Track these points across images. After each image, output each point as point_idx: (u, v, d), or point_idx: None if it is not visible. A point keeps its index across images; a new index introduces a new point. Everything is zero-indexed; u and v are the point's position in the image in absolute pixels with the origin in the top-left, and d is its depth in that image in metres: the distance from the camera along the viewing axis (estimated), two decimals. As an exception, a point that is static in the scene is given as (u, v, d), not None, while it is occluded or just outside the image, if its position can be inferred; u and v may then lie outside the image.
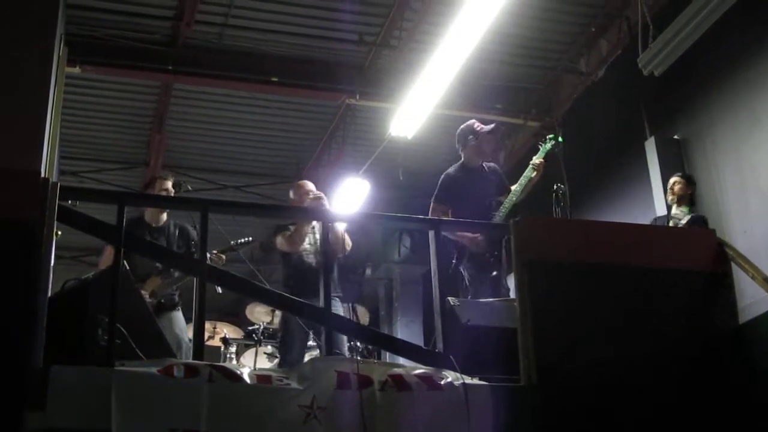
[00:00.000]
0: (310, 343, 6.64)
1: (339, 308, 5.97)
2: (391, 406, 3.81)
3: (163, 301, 6.19)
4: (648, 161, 8.16)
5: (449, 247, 5.93)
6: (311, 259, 6.17)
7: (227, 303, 12.65)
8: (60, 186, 3.88)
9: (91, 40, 8.42)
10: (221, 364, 4.94)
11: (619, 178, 8.80)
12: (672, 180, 7.09)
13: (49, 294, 3.73)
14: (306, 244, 6.21)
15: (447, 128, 6.70)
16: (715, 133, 7.67)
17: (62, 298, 3.98)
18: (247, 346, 8.23)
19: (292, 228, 6.18)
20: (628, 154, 8.63)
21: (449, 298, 4.59)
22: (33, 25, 4.21)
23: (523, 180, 6.19)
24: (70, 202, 4.40)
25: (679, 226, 6.69)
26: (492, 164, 6.61)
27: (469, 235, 6.04)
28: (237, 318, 9.85)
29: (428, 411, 3.83)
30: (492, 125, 6.54)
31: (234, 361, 8.00)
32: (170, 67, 8.85)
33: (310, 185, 6.53)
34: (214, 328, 8.48)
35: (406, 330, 11.79)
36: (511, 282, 5.43)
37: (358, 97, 9.40)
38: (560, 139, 6.44)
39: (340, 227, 6.10)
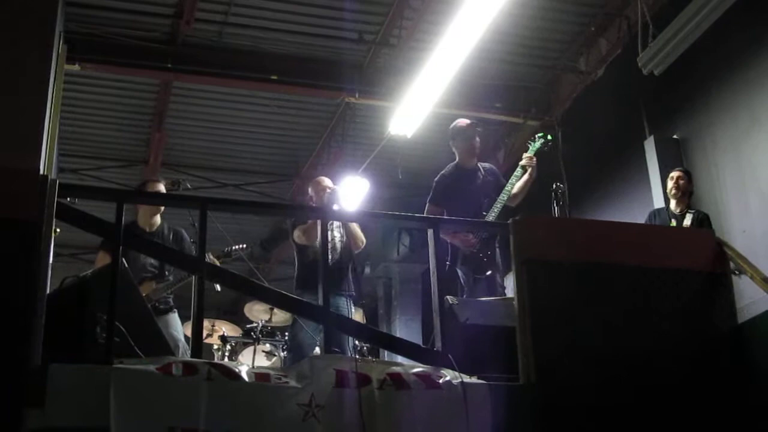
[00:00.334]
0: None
1: (351, 307, 6.01)
2: (390, 404, 3.81)
3: (157, 304, 6.18)
4: (647, 160, 8.16)
5: (443, 247, 5.94)
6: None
7: (225, 301, 12.67)
8: (59, 183, 3.87)
9: (90, 37, 8.41)
10: (220, 362, 4.96)
11: (618, 177, 8.80)
12: (676, 174, 6.91)
13: (48, 291, 3.73)
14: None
15: (446, 127, 6.70)
16: (714, 133, 7.67)
17: (61, 295, 3.97)
18: (246, 344, 8.22)
19: (310, 222, 6.21)
20: (627, 153, 8.63)
21: (448, 297, 4.59)
22: (32, 22, 4.21)
23: (513, 179, 6.20)
24: (69, 199, 4.40)
25: (685, 225, 6.63)
26: (488, 164, 6.62)
27: (463, 236, 6.06)
28: (235, 316, 9.85)
29: (427, 409, 3.83)
30: (469, 121, 6.59)
31: (225, 359, 7.99)
32: (170, 65, 8.84)
33: (327, 181, 6.61)
34: (213, 326, 8.47)
35: (405, 328, 11.80)
36: (508, 281, 5.44)
37: (357, 95, 9.39)
38: (549, 137, 6.46)
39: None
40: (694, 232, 5.88)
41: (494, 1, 7.15)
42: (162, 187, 6.54)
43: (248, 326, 8.37)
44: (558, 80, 9.75)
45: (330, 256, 6.17)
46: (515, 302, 4.32)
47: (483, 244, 6.08)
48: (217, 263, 6.47)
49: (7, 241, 3.60)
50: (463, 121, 6.62)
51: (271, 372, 3.98)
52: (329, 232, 6.32)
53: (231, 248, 6.78)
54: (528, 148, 6.37)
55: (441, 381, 3.92)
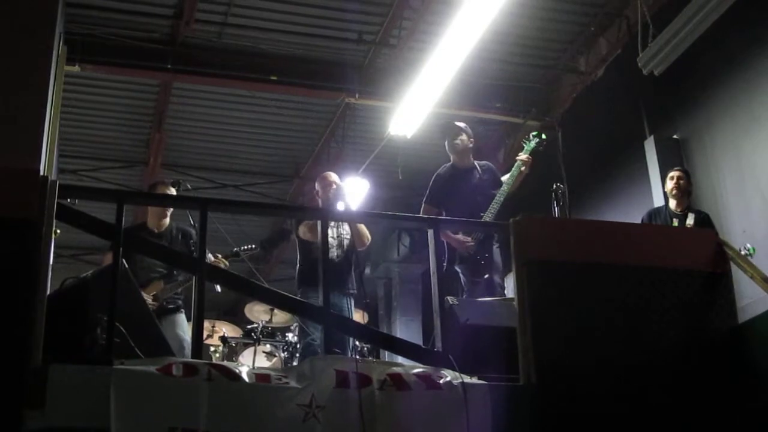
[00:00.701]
0: None
1: (351, 307, 6.00)
2: (390, 405, 3.81)
3: (165, 304, 6.20)
4: (647, 160, 8.16)
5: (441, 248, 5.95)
6: (332, 252, 6.19)
7: (226, 302, 12.67)
8: (59, 184, 3.87)
9: (90, 38, 8.42)
10: (220, 362, 4.96)
11: (618, 177, 8.81)
12: (676, 174, 6.88)
13: (48, 292, 3.73)
14: (329, 237, 6.20)
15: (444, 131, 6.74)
16: (714, 133, 7.67)
17: (61, 296, 3.98)
18: (246, 345, 8.22)
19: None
20: (627, 153, 8.63)
21: (448, 297, 4.59)
22: (32, 23, 4.21)
23: (510, 179, 6.21)
24: (69, 200, 4.40)
25: (688, 224, 6.62)
26: (484, 162, 6.62)
27: (461, 237, 6.06)
28: (236, 317, 9.86)
29: (427, 410, 3.83)
30: (458, 122, 6.64)
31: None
32: (170, 66, 8.85)
33: (333, 177, 6.57)
34: (213, 326, 8.48)
35: (405, 329, 11.81)
36: (508, 281, 5.44)
37: (357, 96, 9.40)
38: (544, 135, 6.49)
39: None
40: (695, 232, 5.87)
41: (494, 1, 7.16)
42: (172, 191, 6.57)
43: (248, 327, 8.38)
44: (558, 80, 9.75)
45: (336, 253, 6.22)
46: (515, 302, 4.32)
47: (480, 245, 6.09)
48: (226, 263, 6.51)
49: (7, 242, 3.60)
50: (452, 122, 6.69)
51: (272, 373, 3.98)
52: (335, 229, 6.34)
53: (241, 248, 6.81)
54: (523, 147, 6.39)
55: (441, 381, 3.92)
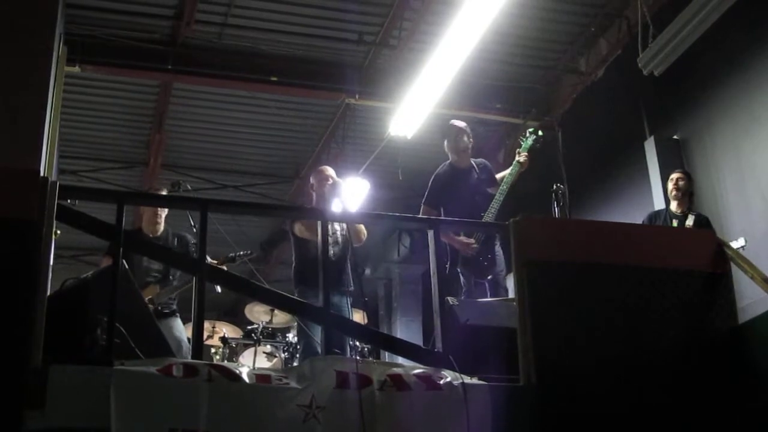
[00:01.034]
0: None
1: (349, 305, 5.94)
2: (391, 405, 3.80)
3: (160, 308, 6.20)
4: (647, 161, 8.17)
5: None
6: (329, 250, 6.10)
7: (226, 302, 12.68)
8: (59, 185, 3.87)
9: (90, 39, 8.43)
10: (220, 363, 4.96)
11: (618, 177, 8.81)
12: (675, 175, 6.97)
13: (49, 293, 3.73)
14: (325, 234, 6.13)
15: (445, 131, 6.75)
16: (714, 133, 7.67)
17: (61, 297, 3.97)
18: (246, 346, 8.22)
19: None
20: (627, 153, 8.64)
21: (448, 297, 4.59)
22: (32, 24, 4.22)
23: (508, 177, 6.21)
24: (69, 201, 4.40)
25: (687, 225, 6.64)
26: (480, 160, 6.62)
27: (463, 239, 6.05)
28: (236, 317, 9.86)
29: (427, 410, 3.83)
30: (458, 122, 6.65)
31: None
32: (170, 67, 8.85)
33: (329, 171, 6.36)
34: (213, 327, 8.48)
35: (406, 329, 11.81)
36: (510, 282, 5.44)
37: (357, 96, 9.41)
38: (541, 132, 6.50)
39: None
40: (695, 232, 5.87)
41: (494, 2, 7.16)
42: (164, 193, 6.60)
43: (249, 327, 8.38)
44: (558, 81, 9.75)
45: (332, 251, 6.01)
46: (516, 303, 4.32)
47: (482, 246, 6.08)
48: (223, 268, 6.49)
49: (7, 243, 3.60)
50: (452, 122, 6.68)
51: (272, 373, 3.98)
52: (330, 226, 6.21)
53: (236, 254, 6.80)
54: (520, 144, 6.38)
55: (441, 382, 3.92)
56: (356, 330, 5.24)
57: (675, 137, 8.11)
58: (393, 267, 12.40)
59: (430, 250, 4.53)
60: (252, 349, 8.09)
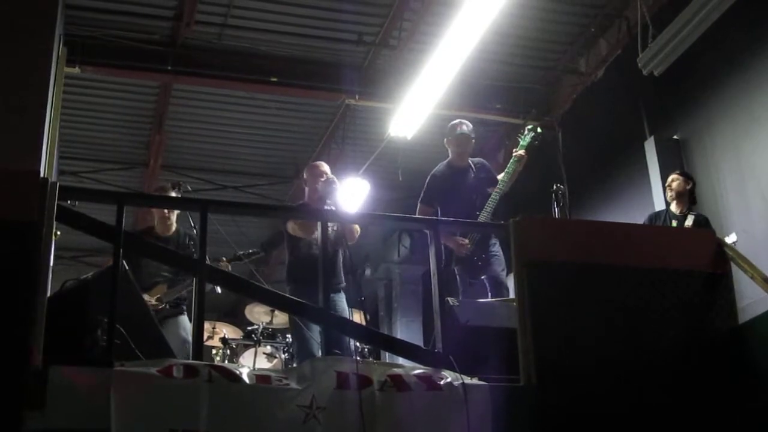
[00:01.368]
0: None
1: (343, 301, 5.90)
2: (391, 406, 3.81)
3: (167, 306, 6.21)
4: (647, 161, 8.16)
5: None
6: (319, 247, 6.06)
7: (226, 303, 12.67)
8: (59, 186, 3.87)
9: (90, 40, 8.43)
10: (220, 364, 4.96)
11: (618, 178, 8.81)
12: (670, 177, 7.07)
13: (49, 294, 3.73)
14: (318, 233, 6.07)
15: (446, 128, 6.74)
16: (714, 133, 7.67)
17: (61, 298, 3.98)
18: (247, 346, 8.23)
19: None
20: (627, 154, 8.63)
21: (449, 298, 4.58)
22: (32, 24, 4.22)
23: (505, 176, 6.21)
24: (69, 202, 4.41)
25: (687, 225, 6.66)
26: (478, 159, 6.61)
27: (458, 239, 6.05)
28: (236, 318, 9.85)
29: (427, 411, 3.83)
30: (461, 121, 6.63)
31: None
32: (170, 68, 8.85)
33: (324, 167, 6.22)
34: (213, 328, 8.48)
35: (406, 330, 11.80)
36: (510, 282, 5.44)
37: (357, 97, 9.40)
38: (539, 130, 6.49)
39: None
40: (694, 232, 5.88)
41: (494, 2, 7.16)
42: (172, 194, 6.57)
43: (249, 328, 8.38)
44: (558, 81, 9.75)
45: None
46: (516, 303, 4.32)
47: (476, 246, 6.08)
48: (228, 267, 6.50)
49: (7, 243, 3.60)
50: (456, 121, 6.67)
51: (272, 374, 3.98)
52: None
53: (245, 252, 6.80)
54: (518, 142, 6.38)
55: (442, 382, 3.93)
56: (356, 331, 5.23)
57: (675, 137, 8.11)
58: (393, 267, 12.39)
59: (430, 251, 4.53)
60: (252, 350, 8.09)
